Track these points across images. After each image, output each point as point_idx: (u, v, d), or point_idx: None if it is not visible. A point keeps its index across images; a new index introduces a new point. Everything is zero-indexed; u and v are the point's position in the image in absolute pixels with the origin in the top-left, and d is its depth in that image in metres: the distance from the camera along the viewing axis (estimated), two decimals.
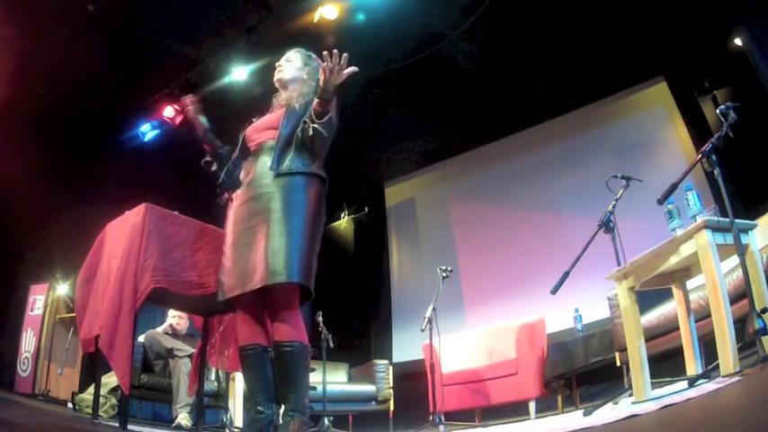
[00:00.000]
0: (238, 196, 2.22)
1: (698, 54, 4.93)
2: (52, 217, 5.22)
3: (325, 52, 2.06)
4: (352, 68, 2.07)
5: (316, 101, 2.13)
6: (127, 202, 2.59)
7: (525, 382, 4.19)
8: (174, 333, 4.22)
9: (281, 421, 2.02)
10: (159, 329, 4.21)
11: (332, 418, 4.59)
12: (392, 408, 5.28)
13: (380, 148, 6.76)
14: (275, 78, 2.41)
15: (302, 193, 2.12)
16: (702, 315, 2.69)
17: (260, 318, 2.13)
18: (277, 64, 2.42)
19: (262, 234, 2.04)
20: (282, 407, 2.00)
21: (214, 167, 2.33)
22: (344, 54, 2.04)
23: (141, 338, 4.10)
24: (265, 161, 2.19)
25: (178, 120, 5.79)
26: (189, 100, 2.37)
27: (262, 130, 2.29)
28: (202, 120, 2.33)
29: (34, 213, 4.99)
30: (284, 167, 2.14)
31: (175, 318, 4.23)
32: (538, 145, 6.14)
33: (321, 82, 2.08)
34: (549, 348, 4.34)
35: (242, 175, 2.27)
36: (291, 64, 2.39)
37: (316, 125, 2.11)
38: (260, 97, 5.20)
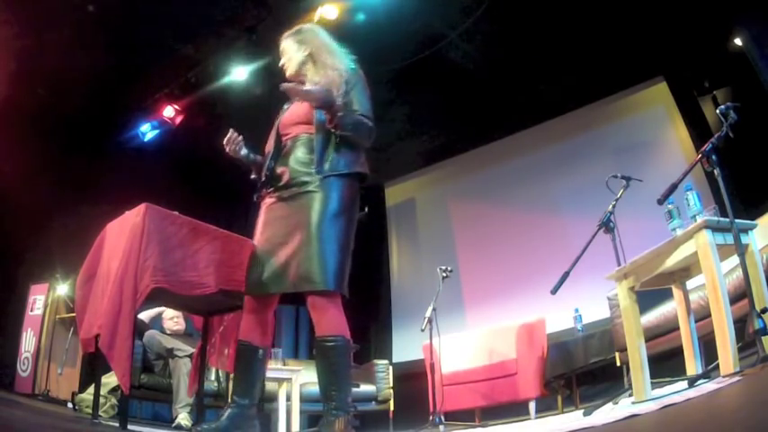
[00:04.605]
0: (273, 193, 2.19)
1: (698, 54, 4.93)
2: (52, 217, 5.20)
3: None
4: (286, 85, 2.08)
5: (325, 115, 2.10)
6: (127, 202, 2.58)
7: (525, 382, 4.19)
8: (173, 333, 4.21)
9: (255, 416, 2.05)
10: (147, 315, 4.16)
11: None
12: (392, 408, 5.29)
13: (380, 148, 6.75)
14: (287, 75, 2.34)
15: (341, 195, 2.10)
16: (702, 315, 2.69)
17: (264, 318, 2.16)
18: (280, 65, 2.36)
19: (298, 235, 2.02)
20: (324, 405, 1.95)
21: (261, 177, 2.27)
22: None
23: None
24: (301, 157, 2.15)
25: (178, 120, 5.79)
26: (232, 139, 2.20)
27: (293, 125, 2.24)
28: (245, 153, 2.25)
29: (34, 213, 4.98)
30: (327, 168, 2.09)
31: (173, 319, 4.22)
32: (538, 145, 6.14)
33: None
34: (549, 348, 4.34)
35: (277, 171, 2.21)
36: (288, 56, 2.32)
37: (340, 126, 2.08)
38: (260, 97, 5.23)
